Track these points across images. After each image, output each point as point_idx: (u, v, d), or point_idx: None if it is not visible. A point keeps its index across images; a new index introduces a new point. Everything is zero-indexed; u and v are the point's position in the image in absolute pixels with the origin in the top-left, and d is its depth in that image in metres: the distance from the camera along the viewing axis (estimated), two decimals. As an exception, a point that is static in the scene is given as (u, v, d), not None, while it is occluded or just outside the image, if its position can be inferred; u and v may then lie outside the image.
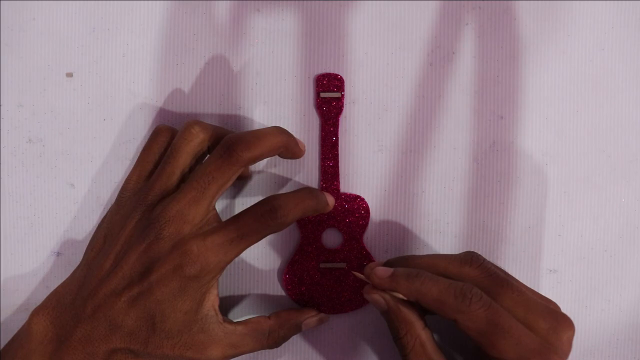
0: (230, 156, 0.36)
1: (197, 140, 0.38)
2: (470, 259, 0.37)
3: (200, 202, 0.36)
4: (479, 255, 0.37)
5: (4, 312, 0.42)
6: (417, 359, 0.36)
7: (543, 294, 0.37)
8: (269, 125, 0.40)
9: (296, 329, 0.40)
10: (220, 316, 0.37)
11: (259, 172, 0.42)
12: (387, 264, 0.39)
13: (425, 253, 0.41)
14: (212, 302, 0.37)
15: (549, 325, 0.34)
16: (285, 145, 0.38)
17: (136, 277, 0.35)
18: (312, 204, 0.39)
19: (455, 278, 0.36)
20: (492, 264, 0.37)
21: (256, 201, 0.42)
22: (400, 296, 0.36)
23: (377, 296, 0.37)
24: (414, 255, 0.39)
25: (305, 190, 0.39)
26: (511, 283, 0.36)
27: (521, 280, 0.41)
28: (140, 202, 0.37)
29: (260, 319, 0.39)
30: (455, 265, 0.37)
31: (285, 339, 0.40)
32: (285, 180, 0.42)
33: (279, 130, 0.38)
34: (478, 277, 0.36)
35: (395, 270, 0.36)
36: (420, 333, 0.36)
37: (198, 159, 0.39)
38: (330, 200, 0.41)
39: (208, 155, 0.38)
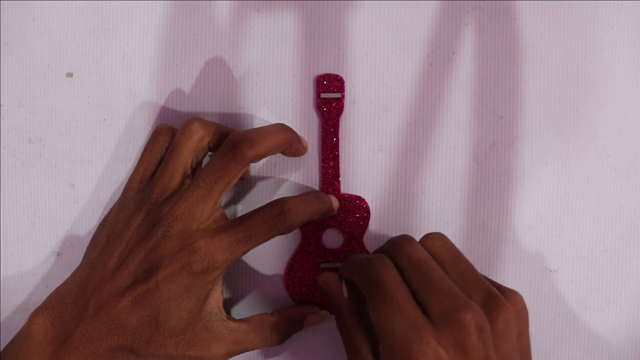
0: (236, 154, 0.36)
1: (197, 136, 0.38)
2: (393, 243, 0.36)
3: (207, 200, 0.36)
4: (407, 241, 0.36)
5: (4, 312, 0.42)
6: (346, 345, 0.36)
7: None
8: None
9: (299, 326, 0.40)
10: (224, 314, 0.37)
11: (258, 172, 0.42)
12: None
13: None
14: (216, 299, 0.37)
15: (441, 307, 0.33)
16: (289, 142, 0.38)
17: (142, 275, 0.35)
18: (320, 207, 0.39)
19: None
20: (418, 249, 0.36)
21: (256, 201, 0.42)
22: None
23: (320, 282, 0.39)
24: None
25: (313, 194, 0.40)
26: (420, 265, 0.34)
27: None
28: (144, 200, 0.37)
29: (264, 316, 0.39)
30: (381, 249, 0.37)
31: (288, 335, 0.40)
32: (285, 181, 0.42)
33: (282, 127, 0.38)
34: (393, 260, 0.36)
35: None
36: (347, 319, 0.37)
37: (199, 156, 0.39)
38: (335, 203, 0.41)
39: (212, 154, 0.38)
